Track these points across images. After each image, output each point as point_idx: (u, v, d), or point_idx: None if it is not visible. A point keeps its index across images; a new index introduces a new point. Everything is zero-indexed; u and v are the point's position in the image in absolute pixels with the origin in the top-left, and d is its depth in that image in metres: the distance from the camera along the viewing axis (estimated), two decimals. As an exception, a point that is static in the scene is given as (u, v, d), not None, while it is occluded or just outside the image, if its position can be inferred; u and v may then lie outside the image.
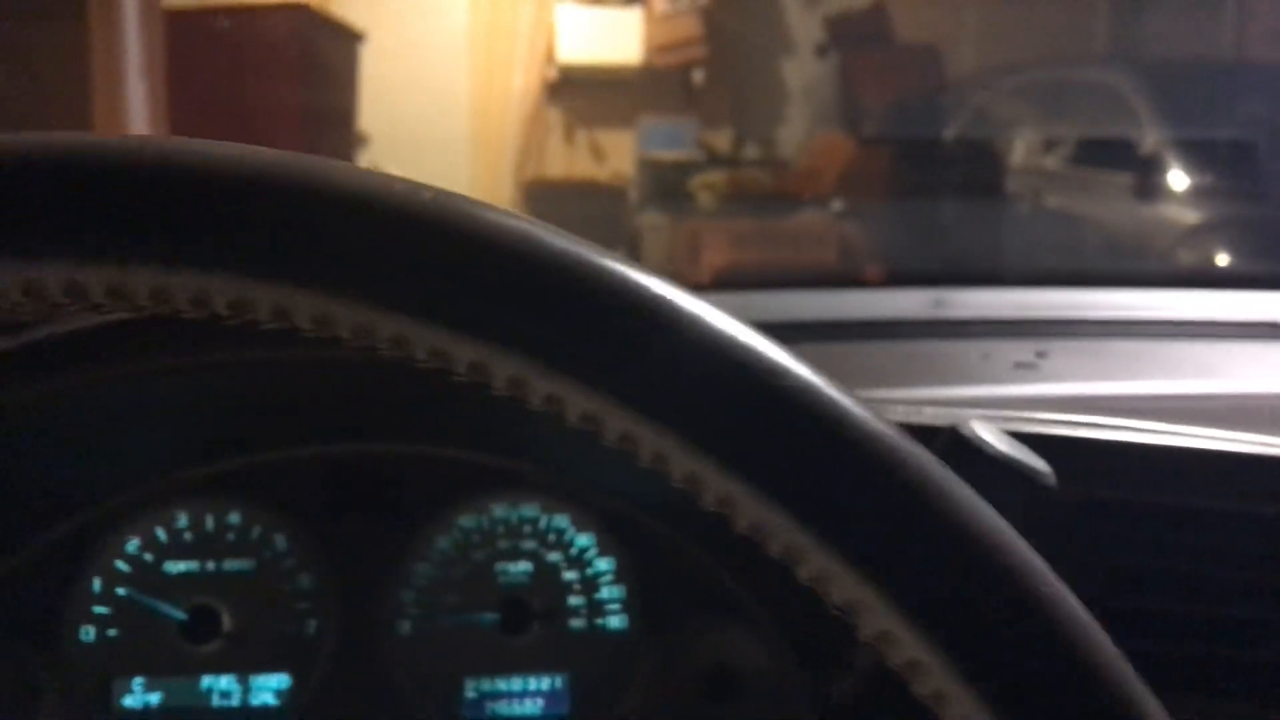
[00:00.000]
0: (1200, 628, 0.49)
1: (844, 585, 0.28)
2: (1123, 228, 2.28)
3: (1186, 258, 1.99)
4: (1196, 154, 2.30)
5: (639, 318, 0.29)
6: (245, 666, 0.71)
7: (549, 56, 4.31)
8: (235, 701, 0.71)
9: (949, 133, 2.71)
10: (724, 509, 0.29)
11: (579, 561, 0.73)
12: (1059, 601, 0.27)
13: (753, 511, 0.28)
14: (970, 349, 1.02)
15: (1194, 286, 1.12)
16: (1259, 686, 0.49)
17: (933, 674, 0.27)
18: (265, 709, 0.71)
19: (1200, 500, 0.52)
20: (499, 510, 0.73)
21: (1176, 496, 0.52)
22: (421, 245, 0.29)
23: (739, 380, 0.28)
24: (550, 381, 0.29)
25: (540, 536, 0.73)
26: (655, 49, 4.22)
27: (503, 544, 0.73)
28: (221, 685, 0.71)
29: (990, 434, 0.48)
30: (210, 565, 0.72)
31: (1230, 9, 2.87)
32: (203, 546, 0.72)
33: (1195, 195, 2.26)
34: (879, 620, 0.28)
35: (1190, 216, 2.26)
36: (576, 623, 0.73)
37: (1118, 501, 0.52)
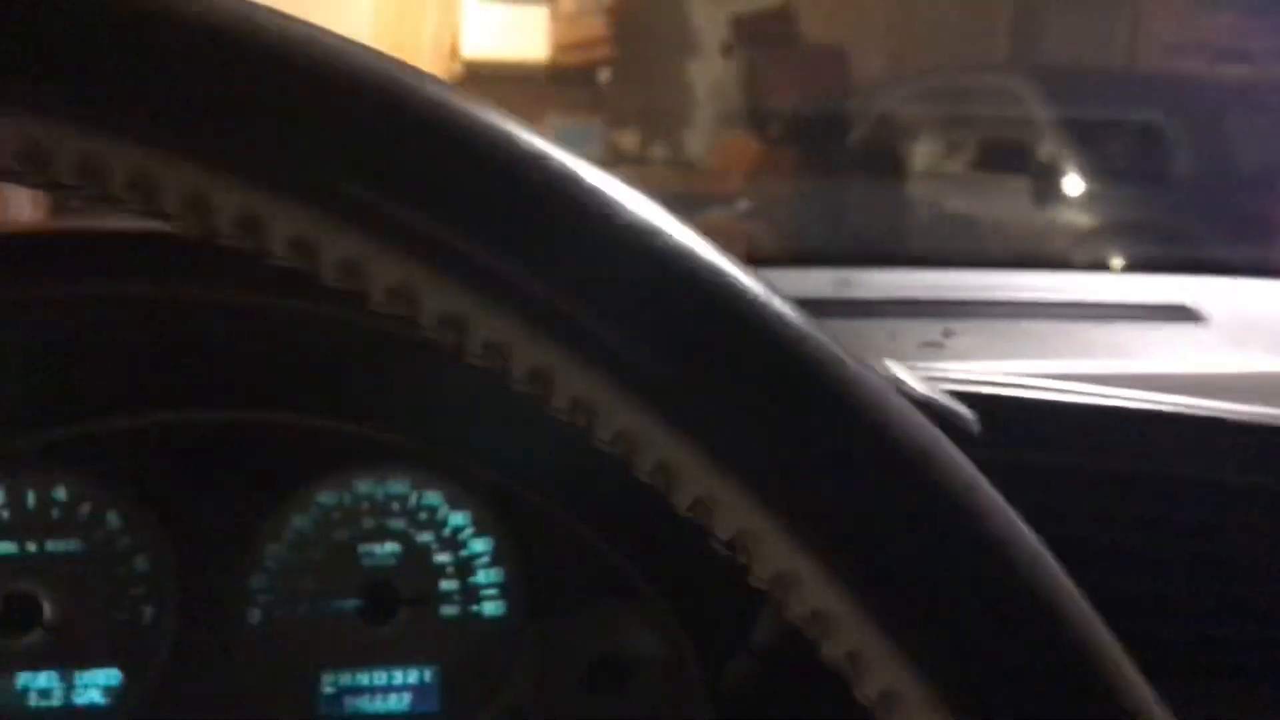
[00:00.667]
0: (1135, 601, 0.45)
1: (734, 511, 0.22)
2: (1022, 228, 2.29)
3: (1085, 255, 2.00)
4: (1093, 157, 2.33)
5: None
6: (69, 661, 0.63)
7: (454, 52, 4.22)
8: (57, 700, 0.63)
9: (855, 133, 2.70)
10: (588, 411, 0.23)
11: (452, 542, 0.66)
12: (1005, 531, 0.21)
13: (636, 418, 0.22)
14: (876, 328, 0.98)
15: (1103, 270, 1.10)
16: (1188, 660, 0.45)
17: (849, 629, 0.22)
18: (92, 709, 0.62)
19: (1132, 464, 0.47)
20: (363, 485, 0.66)
21: (1108, 460, 0.47)
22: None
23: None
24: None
25: (409, 515, 0.66)
26: (561, 47, 4.16)
27: (367, 523, 0.66)
28: (40, 683, 0.62)
29: (911, 378, 0.43)
30: (31, 547, 0.63)
31: (1126, 20, 2.93)
32: (23, 525, 0.63)
33: (1092, 198, 2.29)
34: (781, 553, 0.22)
35: (1086, 219, 2.29)
36: (448, 609, 0.66)
37: (1046, 465, 0.47)
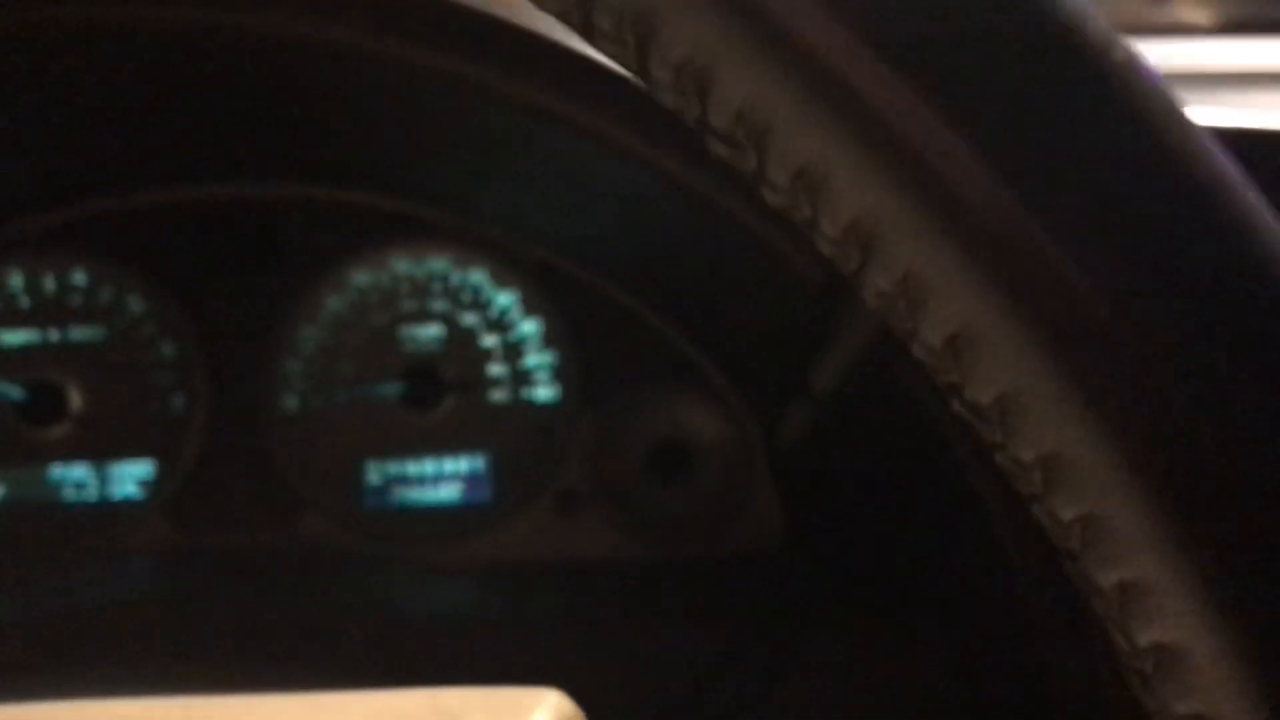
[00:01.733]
0: None
1: None
2: None
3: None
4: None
5: None
6: (100, 452, 0.59)
7: None
8: (92, 494, 0.59)
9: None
10: None
11: (499, 324, 0.61)
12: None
13: None
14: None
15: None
16: None
17: None
18: (127, 502, 0.59)
19: None
20: (401, 264, 0.61)
21: None
22: None
23: None
24: None
25: (452, 295, 0.61)
26: None
27: (407, 304, 0.61)
28: (74, 475, 0.59)
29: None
30: (53, 335, 0.59)
31: None
32: (43, 312, 0.59)
33: None
34: None
35: None
36: (498, 395, 0.61)
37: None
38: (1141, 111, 0.14)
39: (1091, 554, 0.15)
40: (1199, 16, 1.00)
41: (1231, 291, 0.14)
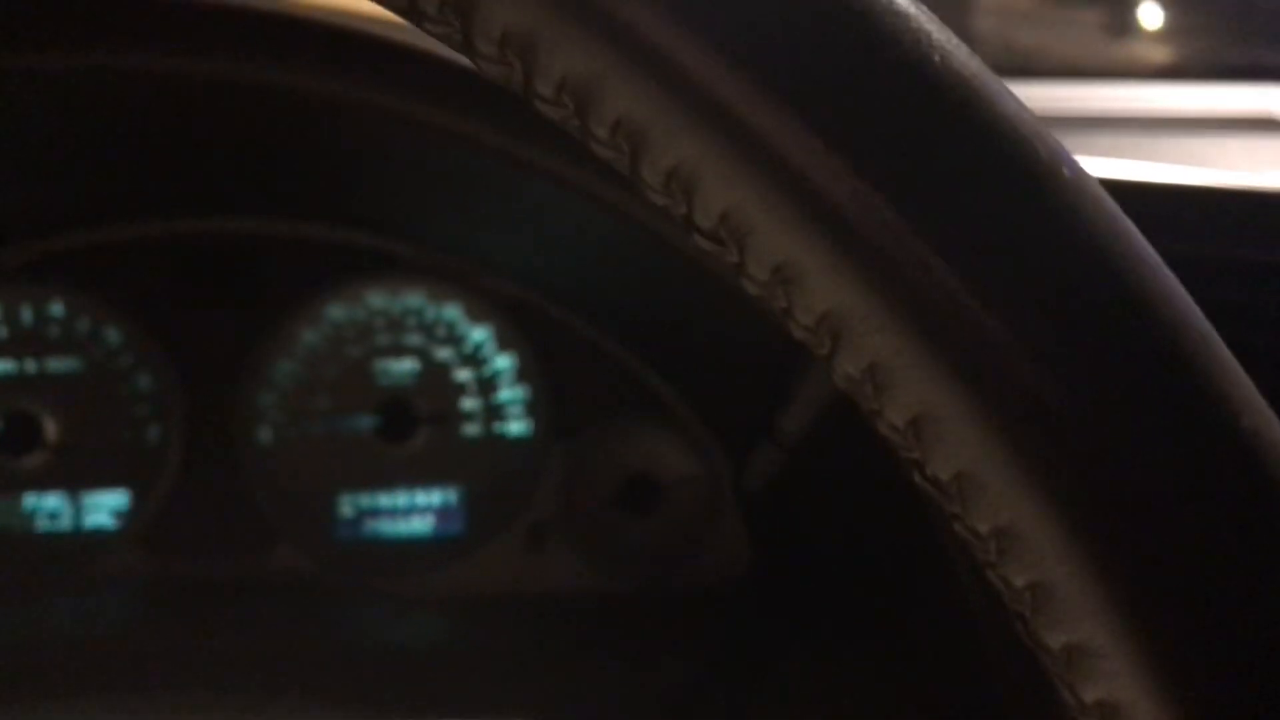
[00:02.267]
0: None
1: None
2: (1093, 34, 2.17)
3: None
4: None
5: None
6: (75, 482, 0.60)
7: None
8: (66, 524, 0.60)
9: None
10: None
11: (473, 359, 0.62)
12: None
13: None
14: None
15: (1180, 79, 1.02)
16: None
17: None
18: (100, 532, 0.60)
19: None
20: (376, 299, 0.62)
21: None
22: None
23: None
24: None
25: (426, 330, 0.62)
26: None
27: (382, 339, 0.62)
28: (48, 504, 0.60)
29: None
30: (30, 366, 0.60)
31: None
32: (19, 343, 0.60)
33: None
34: None
35: (1160, 22, 2.16)
36: (471, 428, 0.62)
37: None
38: (1083, 221, 0.16)
39: (1040, 618, 0.16)
40: (1157, 57, 1.02)
41: (1177, 381, 0.16)
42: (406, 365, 0.62)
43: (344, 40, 0.46)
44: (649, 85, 0.15)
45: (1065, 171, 0.16)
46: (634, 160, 0.16)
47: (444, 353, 0.62)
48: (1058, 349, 0.15)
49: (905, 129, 0.16)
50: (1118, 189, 0.18)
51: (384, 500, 0.61)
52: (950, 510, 0.17)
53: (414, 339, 0.62)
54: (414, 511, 0.61)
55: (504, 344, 0.62)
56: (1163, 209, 0.47)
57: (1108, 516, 0.15)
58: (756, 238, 0.16)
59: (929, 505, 0.41)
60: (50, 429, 0.60)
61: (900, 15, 0.16)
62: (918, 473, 0.17)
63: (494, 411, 0.62)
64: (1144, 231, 0.17)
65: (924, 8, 0.16)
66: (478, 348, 0.62)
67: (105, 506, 0.60)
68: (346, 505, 0.61)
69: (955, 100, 0.16)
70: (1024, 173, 0.16)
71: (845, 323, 0.16)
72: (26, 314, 0.60)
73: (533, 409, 0.62)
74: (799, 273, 0.16)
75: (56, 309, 0.60)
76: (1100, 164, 0.62)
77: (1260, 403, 0.16)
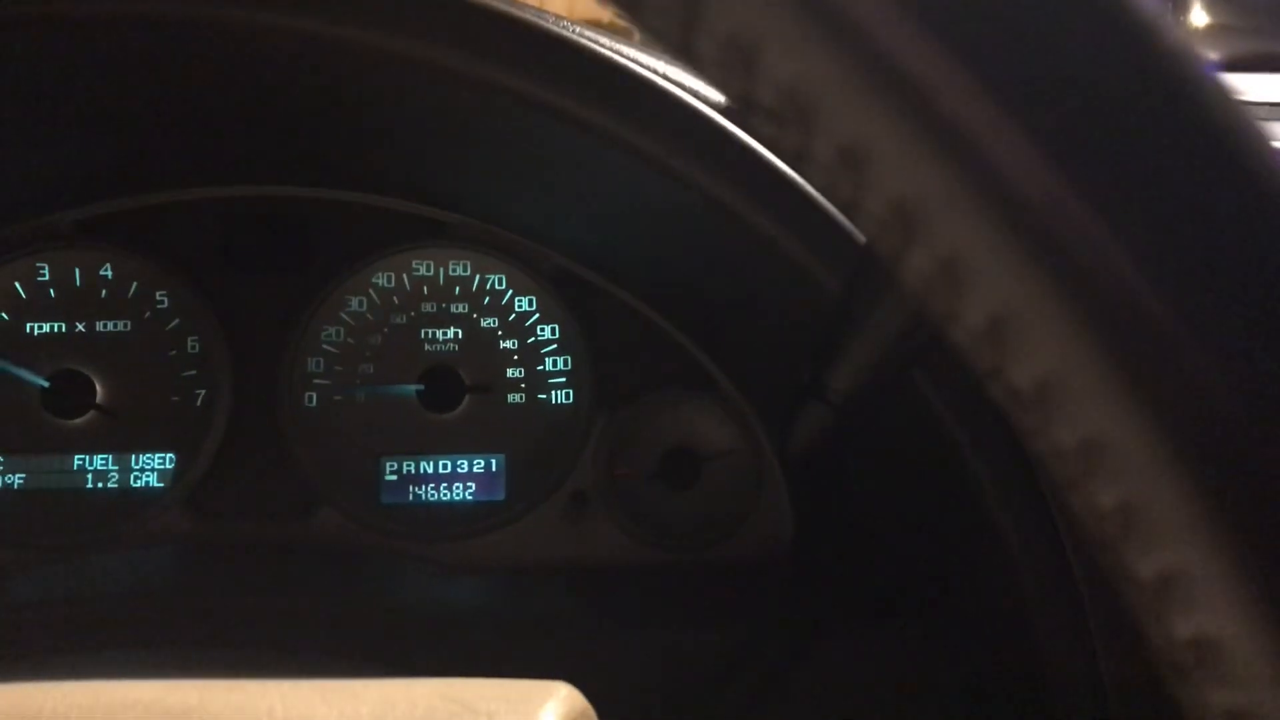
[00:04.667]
0: None
1: None
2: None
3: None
4: None
5: None
6: (123, 444, 0.60)
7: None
8: (114, 483, 0.60)
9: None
10: None
11: (518, 328, 0.62)
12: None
13: None
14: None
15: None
16: None
17: None
18: (148, 491, 0.60)
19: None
20: (422, 267, 0.62)
21: None
22: None
23: None
24: None
25: (472, 298, 0.62)
26: None
27: (427, 307, 0.62)
28: (96, 464, 0.60)
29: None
30: (79, 325, 0.60)
31: None
32: (70, 304, 0.60)
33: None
34: None
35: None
36: (514, 397, 0.62)
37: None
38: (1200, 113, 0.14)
39: (1130, 543, 0.15)
40: (1207, 54, 1.00)
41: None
42: (451, 333, 0.62)
43: None
44: None
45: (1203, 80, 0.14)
46: (685, 29, 0.15)
47: (488, 321, 0.62)
48: (1166, 249, 0.14)
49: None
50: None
51: (427, 466, 0.61)
52: (1029, 423, 0.15)
53: (459, 307, 0.62)
54: (456, 478, 0.61)
55: (548, 314, 0.62)
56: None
57: (1210, 430, 0.14)
58: (823, 110, 0.15)
59: (979, 468, 0.40)
60: (99, 390, 0.60)
61: None
62: (994, 383, 0.15)
63: (537, 380, 0.62)
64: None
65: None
66: (522, 317, 0.62)
67: (152, 467, 0.60)
68: (390, 470, 0.61)
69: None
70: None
71: (921, 208, 0.14)
72: (77, 276, 0.60)
73: (576, 379, 0.62)
74: (869, 152, 0.14)
75: (106, 271, 0.60)
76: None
77: None
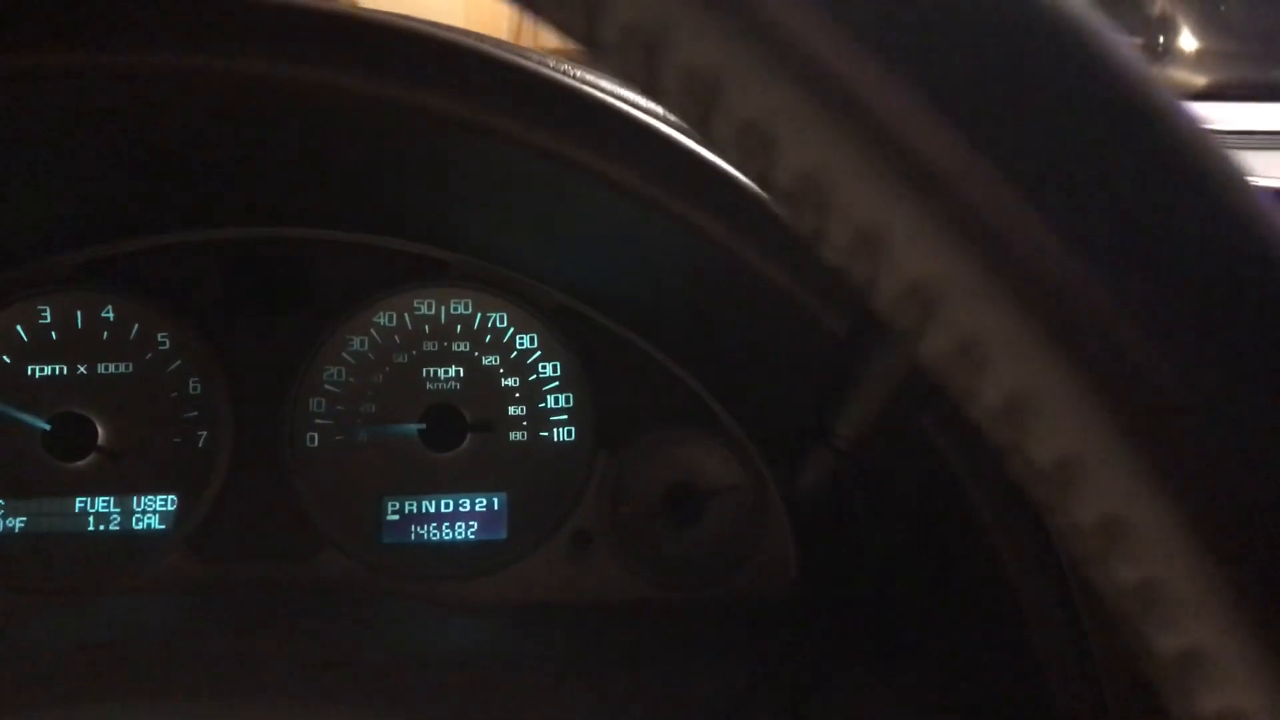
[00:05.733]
0: None
1: None
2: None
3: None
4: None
5: None
6: (125, 486, 0.60)
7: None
8: (115, 525, 0.60)
9: None
10: None
11: (519, 366, 0.62)
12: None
13: None
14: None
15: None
16: None
17: None
18: (150, 533, 0.60)
19: None
20: (424, 306, 0.62)
21: None
22: None
23: None
24: None
25: (473, 337, 0.62)
26: None
27: (429, 345, 0.62)
28: (98, 506, 0.60)
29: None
30: (81, 368, 0.60)
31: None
32: (72, 346, 0.60)
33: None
34: None
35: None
36: (516, 435, 0.62)
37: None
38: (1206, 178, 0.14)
39: (1151, 620, 0.15)
40: (1196, 80, 1.01)
41: None
42: (453, 372, 0.62)
43: (399, 42, 0.46)
44: None
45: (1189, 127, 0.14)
46: (705, 112, 0.15)
47: (490, 359, 0.62)
48: (1183, 329, 0.14)
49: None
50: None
51: (429, 506, 0.61)
52: (1048, 500, 0.15)
53: (460, 346, 0.62)
54: (458, 517, 0.61)
55: (549, 352, 0.62)
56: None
57: (1233, 505, 0.14)
58: (839, 196, 0.15)
59: (982, 508, 0.41)
60: (101, 432, 0.60)
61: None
62: (1013, 459, 0.15)
63: (539, 419, 0.62)
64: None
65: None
66: (524, 355, 0.62)
67: (154, 509, 0.60)
68: (391, 510, 0.61)
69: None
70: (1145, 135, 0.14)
71: (940, 291, 0.14)
72: (79, 318, 0.60)
73: (578, 416, 0.62)
74: (885, 236, 0.14)
75: (108, 313, 0.61)
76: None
77: None
